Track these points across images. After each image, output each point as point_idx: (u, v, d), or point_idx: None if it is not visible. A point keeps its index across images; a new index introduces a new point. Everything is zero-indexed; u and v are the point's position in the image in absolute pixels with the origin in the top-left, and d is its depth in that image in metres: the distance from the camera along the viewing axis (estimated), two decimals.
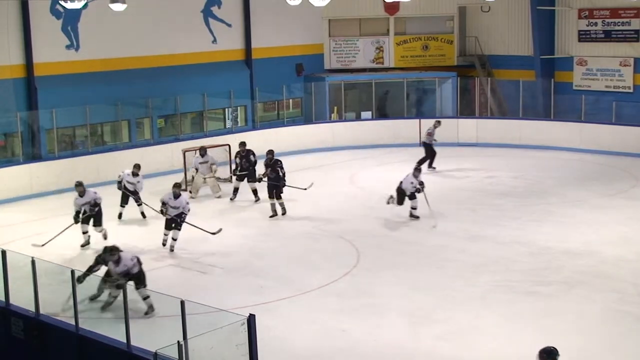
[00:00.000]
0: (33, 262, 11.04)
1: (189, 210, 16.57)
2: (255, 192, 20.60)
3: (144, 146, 24.77)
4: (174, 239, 16.48)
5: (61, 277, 12.06)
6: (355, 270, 15.18)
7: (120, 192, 19.24)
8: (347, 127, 28.37)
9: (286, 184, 19.40)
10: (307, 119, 29.29)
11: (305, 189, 20.01)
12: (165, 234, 16.65)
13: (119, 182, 19.17)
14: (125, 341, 9.87)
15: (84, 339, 10.35)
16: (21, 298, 11.81)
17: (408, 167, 24.65)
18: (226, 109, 28.08)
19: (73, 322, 10.58)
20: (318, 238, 17.43)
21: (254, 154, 20.90)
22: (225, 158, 23.20)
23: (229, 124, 28.14)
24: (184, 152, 22.50)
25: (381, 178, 23.34)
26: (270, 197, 19.26)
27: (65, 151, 23.60)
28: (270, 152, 19.86)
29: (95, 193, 17.27)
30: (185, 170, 22.14)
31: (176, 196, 16.45)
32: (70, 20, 23.89)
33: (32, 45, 22.96)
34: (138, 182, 19.08)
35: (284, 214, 19.19)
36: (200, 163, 21.30)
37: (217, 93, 27.05)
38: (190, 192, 21.69)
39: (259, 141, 26.72)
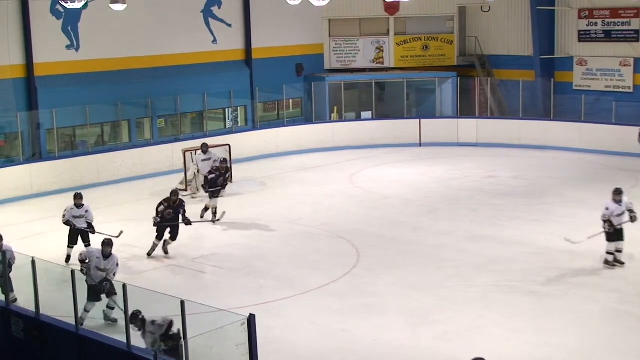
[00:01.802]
0: (33, 262, 11.03)
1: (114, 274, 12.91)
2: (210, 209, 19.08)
3: (144, 146, 24.78)
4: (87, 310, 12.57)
5: (61, 277, 12.08)
6: (355, 270, 15.18)
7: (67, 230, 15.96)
8: (347, 127, 28.38)
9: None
10: (307, 119, 29.29)
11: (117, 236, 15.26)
12: (87, 310, 12.50)
13: (66, 220, 15.67)
14: (125, 341, 9.86)
15: (84, 339, 10.35)
16: (21, 298, 11.83)
17: (408, 167, 24.80)
18: (226, 109, 28.09)
19: (73, 322, 10.58)
20: (318, 238, 17.44)
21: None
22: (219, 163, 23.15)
23: (229, 124, 28.15)
24: (184, 152, 22.50)
25: (381, 178, 23.36)
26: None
27: (65, 151, 23.61)
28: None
29: (88, 212, 15.63)
30: (185, 170, 22.13)
31: (106, 256, 12.78)
32: (70, 20, 23.89)
33: (32, 45, 22.97)
34: (87, 211, 15.71)
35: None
36: (203, 160, 21.13)
37: (217, 93, 27.06)
38: (188, 190, 21.69)
39: (259, 141, 26.84)
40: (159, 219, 16.00)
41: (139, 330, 10.18)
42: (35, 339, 10.91)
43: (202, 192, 21.54)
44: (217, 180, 19.13)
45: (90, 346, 10.24)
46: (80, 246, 15.33)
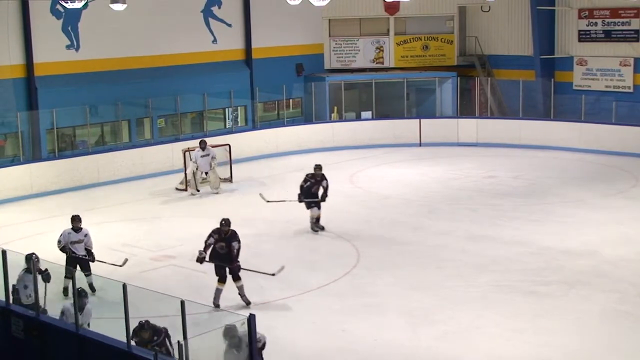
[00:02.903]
0: (33, 262, 11.03)
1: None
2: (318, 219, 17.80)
3: (144, 146, 24.79)
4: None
5: (61, 277, 12.09)
6: (355, 270, 15.18)
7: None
8: (347, 127, 28.38)
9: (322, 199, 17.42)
10: (307, 119, 29.29)
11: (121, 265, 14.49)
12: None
13: (62, 247, 14.07)
14: (125, 341, 9.86)
15: (84, 339, 10.34)
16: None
17: (408, 167, 24.80)
18: (226, 109, 28.09)
19: (73, 322, 10.57)
20: (318, 238, 17.43)
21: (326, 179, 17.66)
22: (225, 158, 23.20)
23: (229, 124, 28.15)
24: (184, 152, 22.50)
25: (381, 178, 23.36)
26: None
27: (65, 151, 23.61)
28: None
29: (87, 236, 14.18)
30: (185, 170, 22.14)
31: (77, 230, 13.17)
32: (70, 20, 23.89)
33: (32, 45, 22.97)
34: (86, 235, 14.14)
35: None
36: (202, 156, 21.24)
37: (217, 93, 27.05)
38: (188, 190, 21.70)
39: (259, 141, 26.84)
40: (205, 255, 13.31)
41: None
42: (35, 339, 10.91)
43: (203, 190, 21.61)
44: (312, 188, 17.35)
45: (90, 346, 10.23)
46: (79, 274, 13.49)
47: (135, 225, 18.86)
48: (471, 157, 25.95)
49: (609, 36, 28.69)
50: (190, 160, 21.66)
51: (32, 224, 18.99)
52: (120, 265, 14.03)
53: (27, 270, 11.69)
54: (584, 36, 29.27)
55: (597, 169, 23.86)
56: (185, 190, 21.85)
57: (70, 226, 13.99)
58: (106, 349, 10.01)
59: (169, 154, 24.39)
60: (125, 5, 19.95)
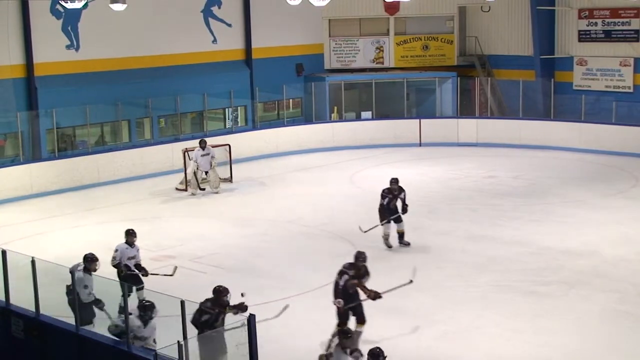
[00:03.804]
0: (33, 262, 11.03)
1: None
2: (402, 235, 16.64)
3: (144, 146, 24.79)
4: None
5: (61, 277, 12.07)
6: (397, 234, 15.16)
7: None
8: (347, 127, 28.38)
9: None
10: (307, 119, 29.29)
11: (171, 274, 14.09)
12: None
13: (117, 263, 13.31)
14: (125, 341, 9.86)
15: (84, 339, 10.34)
16: (21, 298, 11.82)
17: (408, 167, 24.79)
18: (226, 109, 28.09)
19: (73, 322, 10.58)
20: (318, 238, 17.43)
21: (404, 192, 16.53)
22: (225, 158, 23.20)
23: (229, 124, 28.16)
24: (184, 152, 22.51)
25: (381, 178, 23.31)
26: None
27: (65, 151, 23.61)
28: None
29: (139, 251, 13.56)
30: (185, 170, 22.14)
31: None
32: (70, 20, 23.89)
33: (32, 45, 22.97)
34: (138, 250, 13.61)
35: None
36: (202, 156, 21.29)
37: (217, 93, 27.06)
38: (188, 190, 21.70)
39: (259, 141, 26.84)
40: (342, 302, 11.55)
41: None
42: (35, 339, 10.91)
43: (206, 189, 21.63)
44: (390, 204, 16.22)
45: (90, 346, 10.24)
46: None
47: (135, 225, 18.75)
48: (471, 157, 25.95)
49: (609, 36, 28.68)
50: (190, 159, 21.66)
51: (32, 224, 18.99)
52: (171, 275, 13.54)
53: (86, 270, 11.63)
54: (584, 36, 29.27)
55: (597, 169, 23.86)
56: (185, 190, 21.85)
57: (124, 240, 13.32)
58: (106, 349, 10.01)
59: (169, 154, 24.39)
60: (125, 5, 19.94)
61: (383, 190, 16.38)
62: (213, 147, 22.15)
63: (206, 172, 21.53)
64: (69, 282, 11.47)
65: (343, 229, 17.91)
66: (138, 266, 13.27)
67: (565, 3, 29.61)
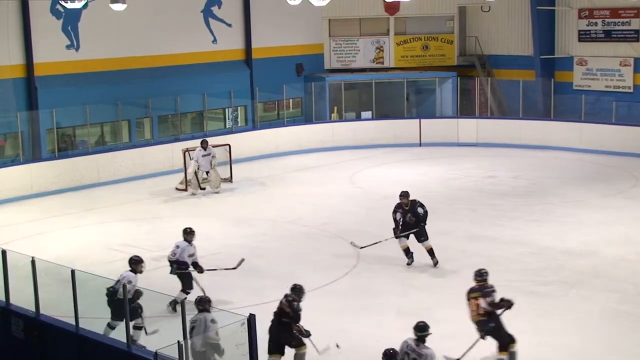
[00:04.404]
0: (33, 262, 11.03)
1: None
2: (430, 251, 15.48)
3: (144, 146, 24.79)
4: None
5: (61, 277, 12.07)
6: (355, 270, 15.17)
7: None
8: (347, 127, 28.38)
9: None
10: (307, 119, 29.30)
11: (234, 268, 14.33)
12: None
13: (175, 259, 13.43)
14: (125, 341, 9.86)
15: (84, 339, 10.34)
16: (21, 298, 11.81)
17: (408, 167, 24.80)
18: (226, 109, 28.09)
19: (73, 322, 10.57)
20: (318, 238, 17.43)
21: (422, 205, 15.49)
22: (225, 158, 23.20)
23: (229, 124, 28.16)
24: (184, 152, 22.51)
25: (381, 178, 23.36)
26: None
27: (66, 151, 23.61)
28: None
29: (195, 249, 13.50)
30: (185, 170, 22.14)
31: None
32: (70, 20, 23.89)
33: (32, 45, 22.97)
34: (195, 248, 13.66)
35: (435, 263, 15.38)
36: (203, 156, 21.34)
37: (217, 93, 27.05)
38: (188, 190, 21.71)
39: (259, 141, 26.84)
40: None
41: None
42: (35, 339, 10.91)
43: (207, 189, 21.63)
44: (405, 218, 15.20)
45: (90, 346, 10.24)
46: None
47: (136, 225, 18.85)
48: (471, 157, 25.95)
49: (609, 36, 28.68)
50: (191, 159, 21.67)
51: (32, 224, 18.99)
52: (234, 268, 13.68)
53: (132, 271, 11.76)
54: (584, 36, 29.27)
55: (597, 169, 23.86)
56: (185, 190, 21.85)
57: (183, 239, 13.39)
58: (106, 349, 10.01)
59: (169, 154, 24.39)
60: (125, 5, 19.94)
61: (395, 205, 15.39)
62: (213, 147, 22.14)
63: (207, 172, 21.54)
64: (69, 281, 11.45)
65: (343, 229, 17.91)
66: (195, 264, 13.39)
67: (565, 3, 29.61)
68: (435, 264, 15.17)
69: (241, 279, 14.81)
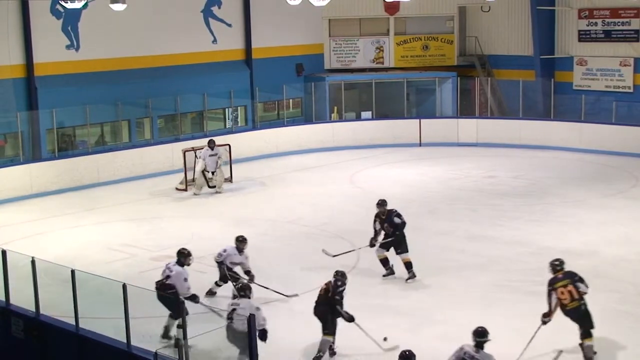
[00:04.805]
0: (33, 262, 11.04)
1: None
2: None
3: (144, 146, 24.78)
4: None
5: (61, 277, 12.07)
6: (355, 270, 15.16)
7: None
8: (347, 127, 28.38)
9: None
10: (307, 119, 29.30)
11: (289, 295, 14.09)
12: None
13: (220, 261, 13.76)
14: (125, 341, 9.86)
15: (84, 339, 10.35)
16: (21, 298, 11.82)
17: (408, 167, 24.80)
18: (226, 109, 28.09)
19: (73, 322, 10.58)
20: (318, 238, 17.42)
21: (399, 215, 14.87)
22: (225, 158, 23.21)
23: (229, 124, 28.15)
24: (184, 152, 22.51)
25: (381, 178, 23.36)
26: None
27: (66, 151, 23.61)
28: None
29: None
30: (185, 170, 22.14)
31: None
32: (70, 20, 23.89)
33: (32, 45, 22.96)
34: (247, 258, 13.76)
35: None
36: (210, 156, 21.41)
37: (217, 93, 27.05)
38: (188, 190, 21.72)
39: (259, 141, 26.85)
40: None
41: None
42: (35, 339, 10.92)
43: (202, 191, 21.63)
44: (383, 227, 14.78)
45: (90, 346, 10.24)
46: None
47: (136, 225, 18.85)
48: (471, 157, 25.95)
49: (609, 36, 28.68)
50: (199, 157, 21.66)
51: (32, 224, 18.99)
52: (287, 295, 13.61)
53: (179, 264, 12.07)
54: (584, 36, 29.27)
55: (597, 169, 23.86)
56: (185, 190, 21.86)
57: (234, 245, 13.51)
58: (106, 349, 10.02)
59: (169, 154, 24.39)
60: (125, 5, 19.94)
61: (375, 215, 14.93)
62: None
63: (212, 172, 21.59)
64: (69, 281, 11.45)
65: (343, 229, 17.91)
66: (248, 272, 13.52)
67: (565, 3, 29.61)
68: (409, 279, 14.44)
69: (241, 278, 14.81)
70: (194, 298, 11.82)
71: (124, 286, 10.06)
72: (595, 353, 11.17)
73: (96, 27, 24.32)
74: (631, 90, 28.19)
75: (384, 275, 14.68)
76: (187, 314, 10.30)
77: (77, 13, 23.60)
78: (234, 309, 10.45)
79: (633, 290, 13.77)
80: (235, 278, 13.29)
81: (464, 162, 25.18)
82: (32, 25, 22.94)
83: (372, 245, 14.75)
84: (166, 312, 12.56)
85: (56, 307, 11.39)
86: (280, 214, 19.42)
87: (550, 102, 27.70)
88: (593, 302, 13.21)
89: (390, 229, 14.57)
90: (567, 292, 11.18)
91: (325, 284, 11.70)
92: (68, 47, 24.05)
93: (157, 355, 9.02)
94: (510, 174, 23.25)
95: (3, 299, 11.49)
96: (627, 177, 22.51)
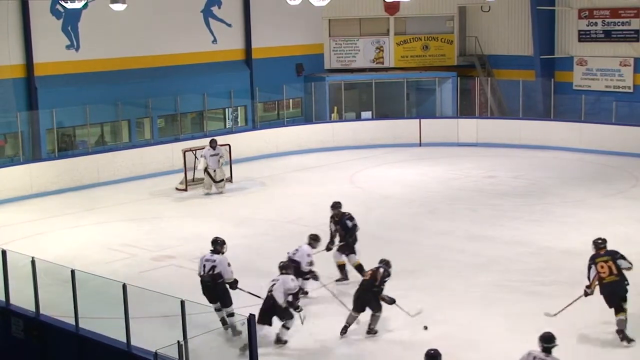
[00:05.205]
0: (33, 262, 11.04)
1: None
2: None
3: (144, 146, 24.79)
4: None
5: (61, 277, 12.08)
6: (354, 270, 15.13)
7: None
8: (347, 127, 28.38)
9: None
10: (307, 119, 29.30)
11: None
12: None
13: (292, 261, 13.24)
14: (125, 341, 9.86)
15: (84, 339, 10.35)
16: (21, 298, 11.83)
17: (408, 167, 24.81)
18: (226, 109, 28.09)
19: (73, 322, 10.58)
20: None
21: (351, 218, 14.63)
22: (225, 158, 23.21)
23: (229, 124, 28.15)
24: (184, 152, 22.52)
25: (381, 178, 23.36)
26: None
27: (65, 151, 23.61)
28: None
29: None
30: (185, 170, 22.15)
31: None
32: (70, 20, 23.89)
33: (32, 45, 22.97)
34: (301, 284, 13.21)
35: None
36: (212, 155, 21.45)
37: (217, 93, 27.05)
38: (188, 190, 21.72)
39: (259, 141, 26.85)
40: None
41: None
42: (35, 339, 10.92)
43: (201, 191, 21.64)
44: (336, 231, 14.58)
45: (90, 346, 10.25)
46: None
47: (136, 225, 18.85)
48: (471, 157, 25.95)
49: (609, 36, 28.68)
50: (201, 157, 21.66)
51: (32, 224, 18.99)
52: (413, 315, 12.66)
53: (215, 252, 12.70)
54: (584, 36, 29.27)
55: (597, 169, 23.86)
56: (186, 190, 21.87)
57: (307, 242, 13.56)
58: (106, 349, 10.02)
59: (169, 154, 24.39)
60: (125, 5, 19.95)
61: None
62: None
63: (214, 171, 21.61)
64: (69, 281, 11.45)
65: None
66: (311, 271, 13.44)
67: (565, 3, 29.61)
68: (344, 278, 14.35)
69: (241, 279, 14.76)
70: (236, 282, 12.48)
71: (124, 286, 10.06)
72: (632, 340, 11.56)
73: (96, 27, 24.32)
74: (631, 90, 28.19)
75: (336, 280, 14.37)
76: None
77: (77, 13, 23.61)
78: (273, 284, 11.80)
79: (633, 290, 13.74)
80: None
81: (464, 162, 25.18)
82: (32, 25, 22.95)
83: (328, 249, 14.59)
84: (166, 311, 12.57)
85: (56, 307, 11.39)
86: (280, 214, 19.42)
87: (550, 102, 27.71)
88: (593, 302, 13.23)
89: (343, 232, 14.43)
90: (607, 267, 11.87)
91: (372, 271, 12.25)
92: (68, 47, 24.05)
93: (157, 355, 9.02)
94: (510, 174, 23.25)
95: (3, 299, 11.49)
96: (627, 177, 22.51)
